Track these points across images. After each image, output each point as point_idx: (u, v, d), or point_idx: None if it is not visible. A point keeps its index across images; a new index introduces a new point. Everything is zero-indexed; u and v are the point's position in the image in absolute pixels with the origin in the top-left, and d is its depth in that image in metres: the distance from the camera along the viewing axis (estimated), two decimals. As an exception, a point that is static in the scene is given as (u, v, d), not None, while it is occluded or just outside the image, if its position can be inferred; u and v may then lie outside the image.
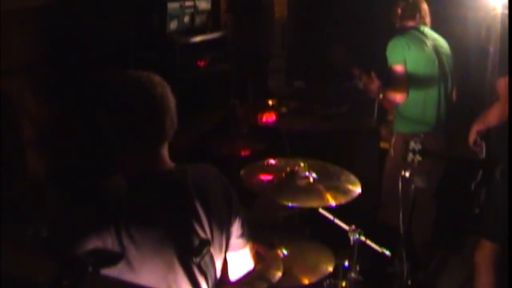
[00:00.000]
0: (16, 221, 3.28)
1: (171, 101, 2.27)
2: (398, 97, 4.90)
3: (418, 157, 3.85)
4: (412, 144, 3.84)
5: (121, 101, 2.23)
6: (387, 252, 3.70)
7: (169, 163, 2.33)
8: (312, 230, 4.37)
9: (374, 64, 5.09)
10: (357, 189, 3.71)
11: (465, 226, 5.22)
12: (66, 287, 1.20)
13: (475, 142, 4.17)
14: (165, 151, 2.32)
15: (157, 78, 2.28)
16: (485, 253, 4.19)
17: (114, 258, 2.04)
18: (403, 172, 3.71)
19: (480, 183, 4.10)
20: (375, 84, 4.99)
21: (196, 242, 2.28)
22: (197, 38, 5.19)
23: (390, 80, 4.92)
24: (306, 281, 3.67)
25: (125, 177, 2.29)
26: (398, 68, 4.85)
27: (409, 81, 4.88)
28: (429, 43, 4.94)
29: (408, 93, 4.88)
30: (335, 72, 5.52)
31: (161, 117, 2.23)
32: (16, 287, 1.26)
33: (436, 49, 4.97)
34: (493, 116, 4.09)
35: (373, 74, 4.98)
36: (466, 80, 5.35)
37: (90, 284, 1.23)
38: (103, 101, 2.27)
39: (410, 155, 3.82)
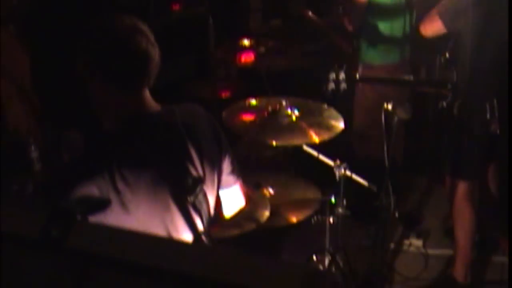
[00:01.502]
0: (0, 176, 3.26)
1: (155, 46, 2.25)
2: (353, 24, 4.94)
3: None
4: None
5: (104, 44, 2.21)
6: (373, 186, 3.72)
7: (155, 105, 2.32)
8: (297, 168, 4.37)
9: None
10: (340, 124, 3.69)
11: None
12: (55, 237, 1.18)
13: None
14: (148, 95, 2.31)
15: (140, 24, 2.25)
16: (459, 192, 4.21)
17: (102, 204, 2.04)
18: (385, 105, 3.70)
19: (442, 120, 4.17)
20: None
21: (189, 181, 2.30)
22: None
23: (350, 7, 4.92)
24: (294, 220, 3.69)
25: (113, 121, 2.30)
26: None
27: (376, 12, 4.87)
28: None
29: (360, 22, 4.91)
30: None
31: (145, 61, 2.22)
32: (5, 241, 1.25)
33: None
34: None
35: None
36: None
37: (80, 232, 1.22)
38: (87, 44, 2.25)
39: None
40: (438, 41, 5.29)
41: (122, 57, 2.20)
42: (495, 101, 3.84)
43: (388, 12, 4.91)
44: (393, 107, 3.68)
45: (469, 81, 3.97)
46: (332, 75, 3.92)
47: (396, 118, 3.68)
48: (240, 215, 2.87)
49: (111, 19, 2.27)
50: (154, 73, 2.27)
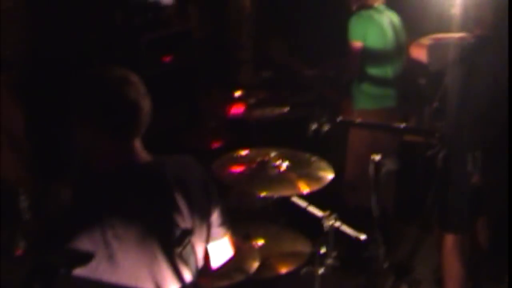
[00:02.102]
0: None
1: (145, 97, 2.28)
2: (351, 71, 5.05)
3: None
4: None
5: (94, 94, 2.24)
6: (362, 236, 3.72)
7: (145, 156, 2.34)
8: (287, 218, 4.37)
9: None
10: (329, 175, 3.72)
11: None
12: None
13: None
14: (139, 145, 2.32)
15: (130, 75, 2.28)
16: (447, 244, 4.21)
17: (85, 258, 2.04)
18: (373, 156, 3.73)
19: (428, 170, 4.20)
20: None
21: (178, 232, 2.30)
22: (162, 33, 5.17)
23: (347, 54, 4.99)
24: (283, 270, 3.68)
25: (103, 171, 2.30)
26: (355, 44, 4.95)
27: (370, 58, 4.96)
28: (386, 20, 5.03)
29: (358, 70, 5.01)
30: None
31: (135, 112, 2.24)
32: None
33: (393, 26, 5.07)
34: None
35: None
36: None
37: (62, 286, 1.22)
38: (78, 95, 2.28)
39: None
40: (427, 91, 5.40)
41: (112, 107, 2.22)
42: (477, 153, 3.85)
43: (380, 57, 5.00)
44: (381, 158, 3.70)
45: (453, 132, 4.00)
46: (315, 116, 3.96)
47: (384, 169, 3.70)
48: (229, 266, 2.87)
49: (102, 70, 2.30)
50: (145, 123, 2.29)
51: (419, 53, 4.19)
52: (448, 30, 4.60)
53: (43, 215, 3.31)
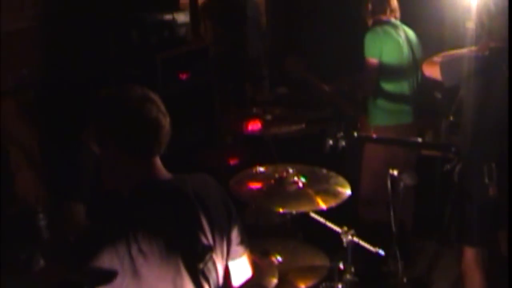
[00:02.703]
0: (7, 247, 3.27)
1: (165, 115, 2.31)
2: (367, 88, 5.04)
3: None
4: None
5: (117, 117, 2.27)
6: (381, 252, 3.71)
7: (166, 173, 2.37)
8: (305, 234, 4.37)
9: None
10: (347, 191, 3.73)
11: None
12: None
13: None
14: (160, 162, 2.35)
15: (151, 93, 2.32)
16: (467, 258, 4.17)
17: (109, 275, 2.06)
18: (391, 171, 3.73)
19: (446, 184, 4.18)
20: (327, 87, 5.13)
21: (200, 248, 2.33)
22: (178, 51, 5.20)
23: (363, 71, 5.00)
24: (302, 286, 3.68)
25: (125, 189, 2.33)
26: (371, 61, 4.95)
27: (386, 73, 4.96)
28: (402, 35, 5.04)
29: (374, 87, 5.01)
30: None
31: (156, 130, 2.27)
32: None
33: (408, 41, 5.07)
34: None
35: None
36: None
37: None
38: (99, 113, 2.31)
39: None
40: (444, 105, 5.38)
41: (133, 126, 2.25)
42: (493, 165, 3.83)
43: (396, 73, 5.00)
44: (398, 173, 3.70)
45: (468, 145, 4.00)
46: (331, 132, 3.97)
47: (402, 184, 3.70)
48: (248, 283, 2.87)
49: (122, 89, 2.33)
50: (166, 141, 2.32)
51: (432, 71, 4.18)
52: (463, 43, 4.62)
53: (60, 233, 3.33)
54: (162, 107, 2.31)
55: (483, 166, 3.85)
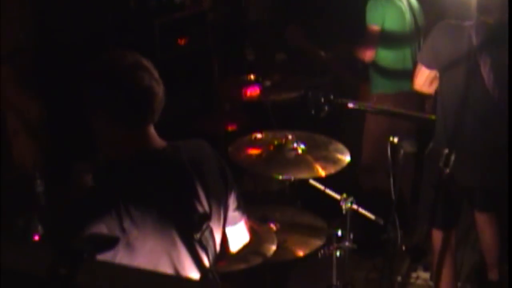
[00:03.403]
0: (5, 213, 3.26)
1: (159, 82, 2.25)
2: (367, 54, 4.95)
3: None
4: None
5: (107, 81, 2.22)
6: (380, 219, 3.71)
7: (160, 142, 2.32)
8: (303, 201, 4.37)
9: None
10: (346, 158, 3.71)
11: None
12: (64, 275, 1.18)
13: None
14: (153, 131, 2.31)
15: (144, 60, 2.26)
16: (433, 239, 4.17)
17: (111, 242, 2.04)
18: (391, 138, 3.71)
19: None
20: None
21: (196, 218, 2.30)
22: (176, 16, 5.15)
23: (363, 38, 4.95)
24: (300, 253, 3.68)
25: (119, 158, 2.30)
26: (373, 27, 4.91)
27: (389, 40, 4.92)
28: (405, 2, 5.00)
29: (374, 54, 4.98)
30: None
31: (149, 97, 2.22)
32: (13, 279, 1.25)
33: (411, 7, 5.04)
34: None
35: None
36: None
37: (88, 270, 1.22)
38: (91, 81, 2.26)
39: None
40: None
41: (125, 94, 2.20)
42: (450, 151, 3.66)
43: (397, 40, 4.97)
44: (398, 140, 3.68)
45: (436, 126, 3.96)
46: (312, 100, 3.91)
47: (402, 152, 3.68)
48: (247, 250, 2.87)
49: (113, 56, 2.27)
50: (159, 109, 2.26)
51: (419, 75, 4.07)
52: (464, 10, 4.57)
53: (63, 199, 3.32)
54: (155, 74, 2.25)
55: (442, 150, 3.69)
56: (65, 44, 4.19)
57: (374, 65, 5.07)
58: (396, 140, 3.68)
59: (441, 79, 3.89)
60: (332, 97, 3.84)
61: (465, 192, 4.04)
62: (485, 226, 4.18)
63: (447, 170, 3.63)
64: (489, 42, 3.65)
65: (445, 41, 3.81)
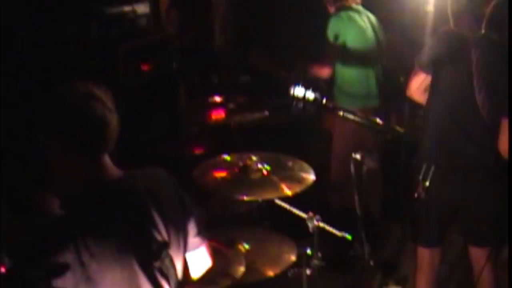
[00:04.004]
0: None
1: (112, 112, 2.25)
2: (324, 71, 5.01)
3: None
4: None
5: (58, 113, 2.21)
6: (347, 235, 3.73)
7: (116, 171, 2.31)
8: (271, 221, 4.38)
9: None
10: (311, 177, 3.74)
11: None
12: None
13: None
14: (109, 160, 2.30)
15: (96, 90, 2.25)
16: (421, 257, 4.14)
17: (61, 268, 2.02)
18: (353, 155, 3.73)
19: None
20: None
21: (155, 246, 2.28)
22: (139, 42, 5.17)
23: (322, 54, 5.00)
24: (270, 273, 3.67)
25: (75, 190, 2.26)
26: (333, 44, 4.97)
27: (351, 58, 4.97)
28: (365, 19, 5.06)
29: (331, 71, 5.06)
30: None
31: (101, 127, 2.21)
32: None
33: (372, 25, 5.09)
34: None
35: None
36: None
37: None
38: (43, 113, 2.25)
39: None
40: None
41: (77, 124, 2.19)
42: (432, 166, 3.71)
43: (360, 57, 5.02)
44: (361, 157, 3.71)
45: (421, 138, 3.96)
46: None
47: (365, 168, 3.71)
48: (216, 272, 2.86)
49: (65, 87, 2.25)
50: (113, 138, 2.26)
51: (414, 79, 4.03)
52: (423, 27, 4.64)
53: (28, 227, 3.28)
54: (109, 103, 2.24)
55: (423, 164, 3.76)
56: (25, 73, 4.17)
57: (338, 82, 5.12)
58: (358, 156, 3.71)
59: (434, 87, 3.85)
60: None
61: (453, 216, 3.97)
62: (480, 262, 3.98)
63: (426, 184, 3.68)
64: (488, 58, 3.60)
65: (443, 49, 3.78)
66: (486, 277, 3.93)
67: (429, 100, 3.90)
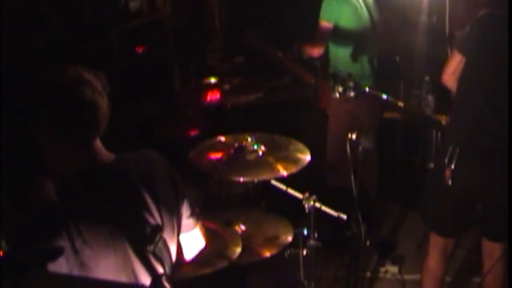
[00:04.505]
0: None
1: (102, 95, 2.22)
2: (315, 51, 4.98)
3: (349, 93, 3.90)
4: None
5: (49, 102, 2.17)
6: (343, 216, 3.74)
7: (108, 155, 2.29)
8: (268, 202, 4.38)
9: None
10: (307, 157, 3.73)
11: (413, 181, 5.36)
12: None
13: None
14: (100, 145, 2.28)
15: (85, 74, 2.21)
16: (433, 243, 4.02)
17: (54, 252, 2.01)
18: (349, 135, 3.73)
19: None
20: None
21: (148, 230, 2.27)
22: (133, 25, 5.15)
23: (313, 35, 4.99)
24: (267, 254, 3.68)
25: (67, 176, 2.24)
26: (324, 24, 4.93)
27: (345, 38, 4.96)
28: None
29: (322, 51, 5.01)
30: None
31: (92, 111, 2.19)
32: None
33: (366, 4, 5.06)
34: None
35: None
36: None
37: (36, 283, 1.22)
38: (33, 99, 2.22)
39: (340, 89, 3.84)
40: (403, 68, 5.40)
41: (67, 110, 2.16)
42: (458, 149, 3.65)
43: (356, 37, 5.00)
44: (357, 137, 3.71)
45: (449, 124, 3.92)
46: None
47: (360, 148, 3.71)
48: (212, 253, 2.87)
49: (54, 71, 2.22)
50: (104, 122, 2.23)
51: (451, 61, 3.93)
52: (419, 6, 4.63)
53: (23, 212, 3.27)
54: (99, 87, 2.21)
55: (449, 147, 3.70)
56: (20, 55, 4.15)
57: (331, 62, 5.11)
58: (354, 136, 3.71)
59: (469, 69, 3.75)
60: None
61: (474, 207, 3.85)
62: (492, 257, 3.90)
63: (452, 167, 3.65)
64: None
65: (482, 32, 3.68)
66: (495, 274, 3.86)
67: (462, 81, 3.81)
